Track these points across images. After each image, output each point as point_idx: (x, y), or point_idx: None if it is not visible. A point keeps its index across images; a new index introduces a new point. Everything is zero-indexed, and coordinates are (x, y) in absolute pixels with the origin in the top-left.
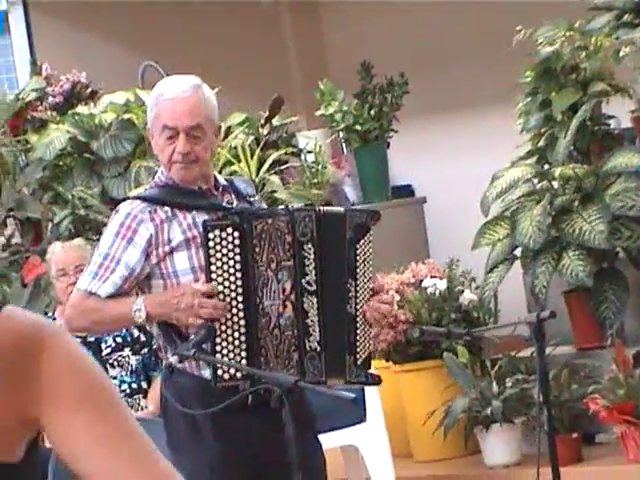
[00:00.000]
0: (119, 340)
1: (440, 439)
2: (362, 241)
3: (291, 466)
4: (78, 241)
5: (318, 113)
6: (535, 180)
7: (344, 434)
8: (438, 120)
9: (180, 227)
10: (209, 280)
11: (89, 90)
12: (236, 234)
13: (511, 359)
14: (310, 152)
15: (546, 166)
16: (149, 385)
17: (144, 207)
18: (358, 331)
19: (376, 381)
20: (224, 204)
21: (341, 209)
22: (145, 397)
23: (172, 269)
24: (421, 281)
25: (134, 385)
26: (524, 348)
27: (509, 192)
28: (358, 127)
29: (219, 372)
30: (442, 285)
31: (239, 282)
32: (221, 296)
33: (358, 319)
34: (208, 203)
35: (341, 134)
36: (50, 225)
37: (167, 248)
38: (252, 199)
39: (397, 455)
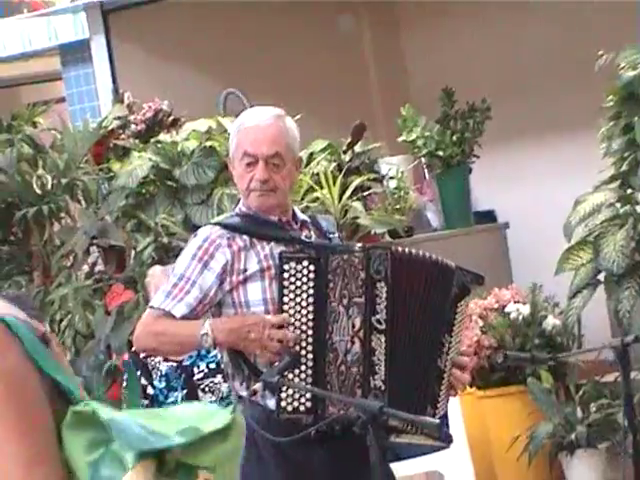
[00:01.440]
0: (212, 366)
1: (525, 465)
2: (463, 301)
3: None
4: None
5: (400, 139)
6: (618, 204)
7: (428, 460)
8: (520, 145)
9: (257, 257)
10: (281, 311)
11: (171, 118)
12: (312, 267)
13: (595, 384)
14: (392, 178)
15: (629, 190)
16: None
17: (223, 233)
18: (442, 387)
19: (449, 440)
20: (303, 237)
21: (452, 264)
22: None
23: (244, 299)
24: (504, 306)
25: None
26: (608, 373)
27: (592, 217)
28: (440, 153)
29: (282, 404)
30: (525, 310)
31: (310, 316)
32: (291, 328)
33: (445, 375)
34: (287, 235)
35: (423, 160)
36: (133, 253)
37: (241, 277)
38: (331, 236)
39: None
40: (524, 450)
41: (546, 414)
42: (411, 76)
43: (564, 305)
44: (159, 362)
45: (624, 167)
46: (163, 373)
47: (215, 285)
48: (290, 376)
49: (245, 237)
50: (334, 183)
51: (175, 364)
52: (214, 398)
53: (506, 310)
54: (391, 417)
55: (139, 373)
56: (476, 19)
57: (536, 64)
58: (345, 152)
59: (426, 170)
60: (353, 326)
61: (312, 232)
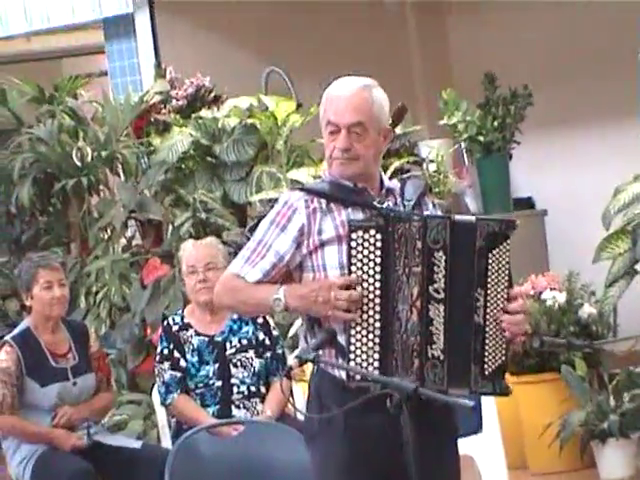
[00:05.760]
0: (244, 342)
1: (556, 451)
2: (495, 250)
3: (413, 472)
4: (210, 240)
5: (441, 122)
6: None
7: (460, 444)
8: (561, 132)
9: (333, 222)
10: None
11: (213, 94)
12: (378, 236)
13: (629, 374)
14: (432, 161)
15: None
16: (267, 390)
17: (301, 196)
18: (487, 341)
19: (504, 391)
20: (375, 203)
21: (472, 218)
22: (262, 401)
23: (322, 262)
24: (540, 293)
25: (253, 388)
26: None
27: (632, 206)
28: (481, 138)
29: (351, 373)
30: (561, 298)
31: (377, 284)
32: (358, 288)
33: (487, 329)
34: (361, 200)
35: (463, 144)
36: (171, 227)
37: (317, 240)
38: (407, 203)
39: (512, 466)
40: (556, 437)
41: (579, 402)
42: (454, 60)
43: (600, 294)
44: (191, 336)
45: None
46: (195, 347)
47: (291, 249)
48: (358, 344)
49: (323, 200)
50: None
51: (207, 338)
52: (246, 373)
53: (542, 297)
54: (425, 397)
55: (171, 346)
56: (520, 4)
57: (579, 51)
58: None
59: (466, 155)
60: (411, 295)
61: (398, 199)
